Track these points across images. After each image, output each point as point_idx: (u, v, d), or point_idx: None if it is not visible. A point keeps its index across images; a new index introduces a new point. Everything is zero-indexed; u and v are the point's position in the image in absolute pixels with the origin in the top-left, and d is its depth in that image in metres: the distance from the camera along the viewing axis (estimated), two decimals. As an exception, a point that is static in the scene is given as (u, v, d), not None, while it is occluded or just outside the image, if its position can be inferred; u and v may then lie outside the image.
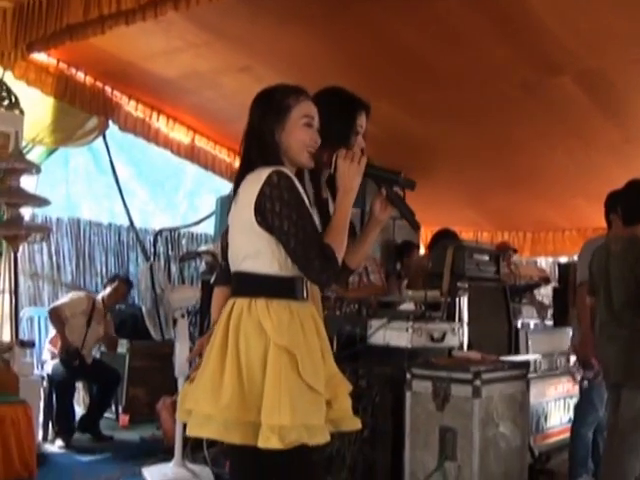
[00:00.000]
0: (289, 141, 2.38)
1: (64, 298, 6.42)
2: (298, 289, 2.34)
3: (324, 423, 2.26)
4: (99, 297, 6.54)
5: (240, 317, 2.28)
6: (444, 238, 5.83)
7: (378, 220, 2.56)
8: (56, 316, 6.11)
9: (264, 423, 2.16)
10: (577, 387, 4.87)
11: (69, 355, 5.99)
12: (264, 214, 2.26)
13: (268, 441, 2.14)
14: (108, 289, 6.60)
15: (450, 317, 4.97)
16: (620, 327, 3.98)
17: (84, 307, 6.25)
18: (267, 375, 2.20)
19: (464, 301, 5.16)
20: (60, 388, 5.99)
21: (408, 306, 4.98)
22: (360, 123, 2.71)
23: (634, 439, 3.94)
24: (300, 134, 2.38)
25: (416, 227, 2.54)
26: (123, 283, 6.70)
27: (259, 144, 2.38)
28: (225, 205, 5.86)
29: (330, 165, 2.37)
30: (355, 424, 2.45)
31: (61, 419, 5.96)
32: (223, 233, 2.59)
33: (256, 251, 2.31)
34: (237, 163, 7.94)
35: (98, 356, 6.79)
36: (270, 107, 2.40)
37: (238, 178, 2.38)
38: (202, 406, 2.24)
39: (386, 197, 2.50)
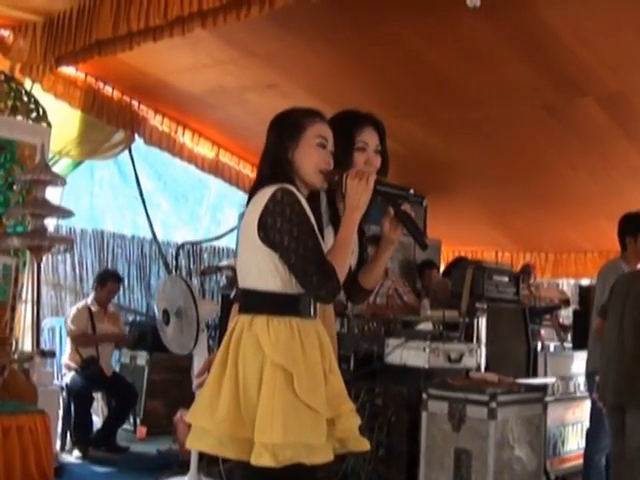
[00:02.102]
0: (302, 161, 2.38)
1: (70, 317, 6.38)
2: (303, 306, 2.34)
3: (325, 442, 2.25)
4: (90, 299, 6.49)
5: (241, 334, 2.29)
6: (464, 260, 5.84)
7: (389, 240, 2.55)
8: (82, 337, 6.19)
9: (257, 440, 2.16)
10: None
11: (87, 363, 6.04)
12: (267, 230, 2.26)
13: (260, 458, 2.15)
14: (100, 288, 6.53)
15: (468, 338, 4.96)
16: (622, 348, 3.93)
17: (86, 316, 6.28)
18: (261, 392, 2.20)
19: (482, 322, 5.15)
20: (78, 398, 6.02)
21: (426, 326, 4.98)
22: (362, 139, 2.62)
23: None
24: (313, 154, 2.38)
25: (424, 246, 2.52)
26: (115, 279, 6.67)
27: (271, 162, 2.40)
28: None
29: (340, 185, 2.36)
30: (362, 445, 2.41)
31: (79, 430, 5.99)
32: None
33: (259, 268, 2.32)
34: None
35: (118, 369, 6.83)
36: (285, 127, 2.42)
37: (249, 196, 2.40)
38: (199, 420, 2.27)
39: (395, 216, 2.51)
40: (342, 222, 2.37)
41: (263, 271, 2.31)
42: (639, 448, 3.83)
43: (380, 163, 2.64)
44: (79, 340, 6.17)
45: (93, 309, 6.36)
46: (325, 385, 2.32)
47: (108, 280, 6.56)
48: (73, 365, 6.11)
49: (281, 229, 2.25)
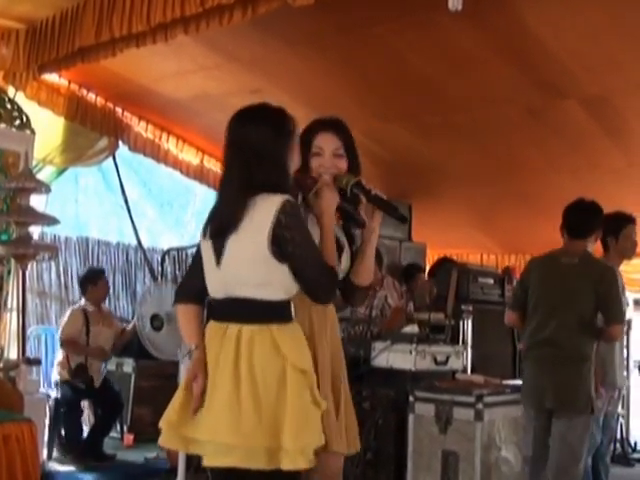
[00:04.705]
0: (291, 169, 2.44)
1: (66, 321, 6.33)
2: (292, 311, 2.39)
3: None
4: (83, 302, 6.44)
5: (253, 343, 2.28)
6: (446, 263, 5.86)
7: (369, 228, 2.58)
8: (72, 344, 6.13)
9: (292, 446, 2.20)
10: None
11: (77, 372, 6.00)
12: (281, 244, 2.28)
13: (296, 462, 2.21)
14: (93, 287, 6.47)
15: (454, 340, 4.98)
16: (560, 350, 3.92)
17: (81, 320, 6.23)
18: (289, 396, 2.23)
19: (468, 324, 5.17)
20: (69, 409, 5.99)
21: (412, 328, 4.99)
22: (317, 144, 2.64)
23: (577, 472, 3.89)
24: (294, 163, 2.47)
25: (404, 220, 2.64)
26: (103, 275, 6.62)
27: (279, 170, 2.38)
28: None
29: (310, 190, 2.48)
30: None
31: (70, 440, 5.96)
32: (197, 247, 2.55)
33: (268, 279, 2.32)
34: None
35: (104, 376, 6.81)
36: (282, 130, 2.41)
37: (238, 198, 2.33)
38: (222, 436, 2.23)
39: (368, 202, 2.53)
40: (324, 229, 2.46)
41: (272, 282, 2.32)
42: (570, 452, 3.84)
43: (347, 164, 2.64)
44: (70, 347, 6.11)
45: (89, 310, 6.31)
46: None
47: (99, 277, 6.52)
48: (64, 375, 6.05)
49: (297, 242, 2.30)
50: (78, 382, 5.99)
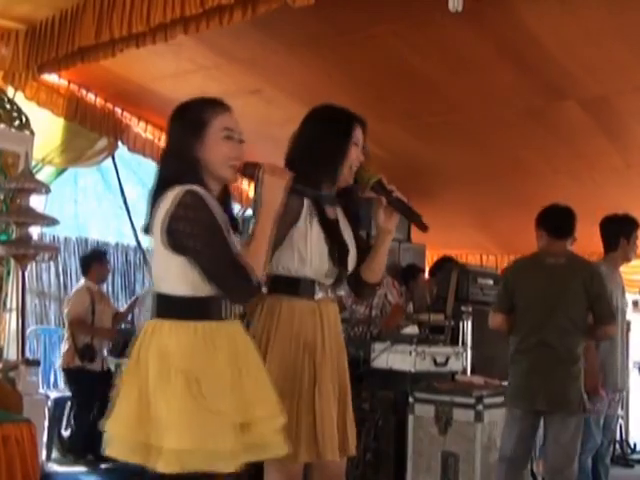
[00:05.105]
0: (209, 157, 2.32)
1: (73, 300, 6.28)
2: (214, 309, 2.29)
3: (231, 449, 2.19)
4: (85, 282, 6.42)
5: (147, 339, 2.26)
6: (447, 263, 5.86)
7: (386, 230, 2.59)
8: (81, 323, 6.11)
9: (164, 446, 2.13)
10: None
11: (85, 352, 5.99)
12: (174, 236, 2.22)
13: (168, 465, 2.12)
14: (99, 265, 6.48)
15: (454, 341, 4.98)
16: (554, 352, 3.93)
17: (88, 299, 6.22)
18: (166, 398, 2.16)
19: (468, 325, 5.17)
20: (84, 396, 5.97)
21: (412, 329, 4.99)
22: (357, 136, 2.71)
23: (571, 472, 3.90)
24: (221, 148, 2.32)
25: (424, 228, 2.56)
26: (103, 257, 6.63)
27: (177, 161, 2.34)
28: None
29: (256, 179, 2.33)
30: (280, 450, 2.33)
31: (79, 433, 5.95)
32: None
33: (166, 273, 2.29)
34: (244, 185, 7.97)
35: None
36: (187, 123, 2.37)
37: (153, 198, 2.32)
38: (110, 426, 2.23)
39: (388, 204, 2.52)
40: (257, 217, 2.31)
41: (171, 276, 2.27)
42: (564, 453, 3.86)
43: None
44: (79, 326, 6.09)
45: (93, 289, 6.32)
46: (237, 389, 2.25)
47: (104, 255, 6.61)
48: (75, 361, 6.01)
49: (190, 234, 2.20)
50: (88, 364, 5.97)
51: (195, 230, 2.19)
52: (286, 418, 2.36)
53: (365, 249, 2.75)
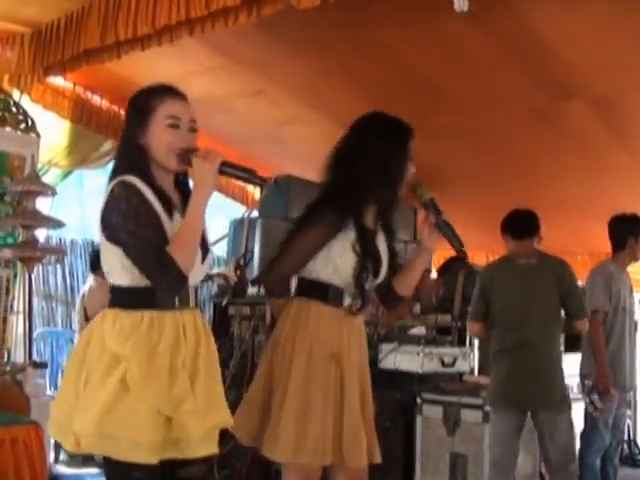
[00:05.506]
0: (152, 145, 2.29)
1: (90, 296, 6.23)
2: (161, 298, 2.26)
3: (152, 440, 2.15)
4: (93, 278, 6.40)
5: (93, 326, 2.30)
6: (454, 264, 5.85)
7: (426, 248, 2.62)
8: None
9: (70, 425, 2.15)
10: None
11: None
12: (107, 227, 2.23)
13: (66, 441, 2.16)
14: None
15: (461, 342, 4.97)
16: (534, 351, 3.96)
17: (103, 294, 6.19)
18: (92, 381, 2.17)
19: (475, 326, 5.15)
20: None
21: (419, 330, 4.98)
22: (412, 149, 2.77)
23: (573, 469, 3.90)
24: (164, 136, 2.28)
25: (463, 255, 2.59)
26: None
27: (122, 151, 2.35)
28: (238, 228, 5.89)
29: (190, 164, 2.28)
30: (203, 451, 2.27)
31: None
32: None
33: (109, 264, 2.30)
34: (250, 187, 7.98)
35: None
36: (133, 111, 2.35)
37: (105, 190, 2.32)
38: (52, 410, 2.27)
39: (436, 224, 2.55)
40: (188, 207, 2.26)
41: (114, 267, 2.28)
42: (563, 452, 3.88)
43: None
44: None
45: (105, 284, 6.30)
46: (174, 381, 2.21)
47: None
48: None
49: (118, 225, 2.19)
50: None
51: (122, 222, 2.19)
52: (227, 420, 2.35)
53: (396, 261, 2.77)
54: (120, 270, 2.26)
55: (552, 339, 4.03)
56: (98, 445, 2.13)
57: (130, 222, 2.18)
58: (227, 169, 2.32)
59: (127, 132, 2.34)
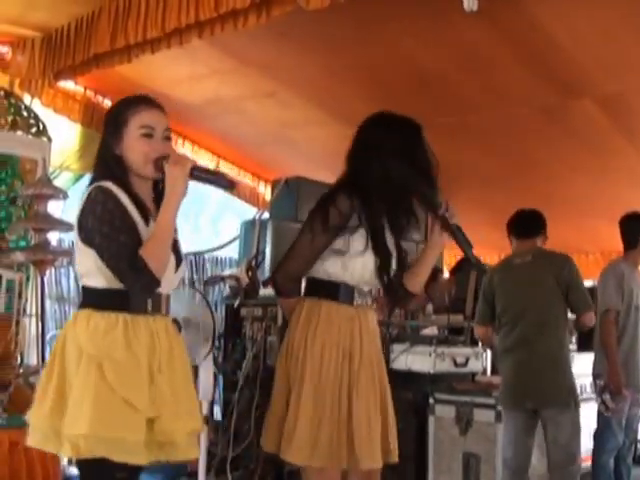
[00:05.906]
0: (130, 155, 2.34)
1: None
2: (135, 302, 2.30)
3: (140, 440, 2.19)
4: None
5: (67, 328, 2.32)
6: (466, 263, 5.84)
7: (435, 244, 2.66)
8: None
9: (64, 432, 2.16)
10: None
11: None
12: (85, 230, 2.27)
13: (62, 448, 2.17)
14: None
15: (473, 342, 4.96)
16: (534, 349, 3.96)
17: None
18: (75, 385, 2.19)
19: (487, 325, 5.14)
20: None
21: (431, 330, 4.98)
22: (426, 141, 2.84)
23: (574, 471, 3.88)
24: (139, 146, 2.33)
25: (475, 260, 2.62)
26: None
27: (99, 161, 2.40)
28: (249, 230, 5.90)
29: (162, 171, 2.33)
30: (189, 454, 2.35)
31: None
32: None
33: (84, 265, 2.33)
34: (261, 188, 7.99)
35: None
36: (108, 124, 2.41)
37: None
38: (29, 415, 2.28)
39: (447, 227, 2.56)
40: (160, 211, 2.31)
41: (88, 269, 2.31)
42: (565, 452, 3.86)
43: None
44: None
45: None
46: (150, 384, 2.25)
47: None
48: None
49: (93, 228, 2.24)
50: None
51: (97, 225, 2.24)
52: (201, 424, 2.42)
53: (404, 258, 2.77)
54: (96, 272, 2.29)
55: (551, 336, 3.99)
56: (97, 447, 2.15)
57: (105, 225, 2.23)
58: (198, 173, 2.38)
59: (104, 143, 2.40)
